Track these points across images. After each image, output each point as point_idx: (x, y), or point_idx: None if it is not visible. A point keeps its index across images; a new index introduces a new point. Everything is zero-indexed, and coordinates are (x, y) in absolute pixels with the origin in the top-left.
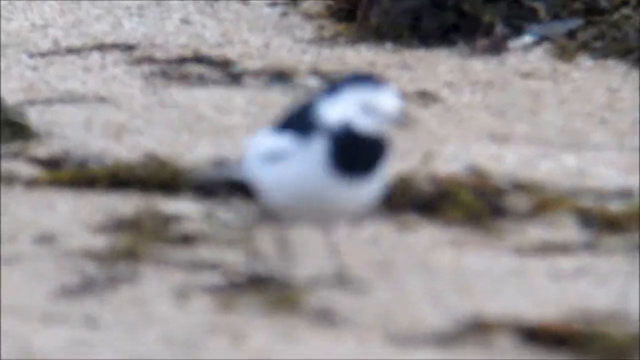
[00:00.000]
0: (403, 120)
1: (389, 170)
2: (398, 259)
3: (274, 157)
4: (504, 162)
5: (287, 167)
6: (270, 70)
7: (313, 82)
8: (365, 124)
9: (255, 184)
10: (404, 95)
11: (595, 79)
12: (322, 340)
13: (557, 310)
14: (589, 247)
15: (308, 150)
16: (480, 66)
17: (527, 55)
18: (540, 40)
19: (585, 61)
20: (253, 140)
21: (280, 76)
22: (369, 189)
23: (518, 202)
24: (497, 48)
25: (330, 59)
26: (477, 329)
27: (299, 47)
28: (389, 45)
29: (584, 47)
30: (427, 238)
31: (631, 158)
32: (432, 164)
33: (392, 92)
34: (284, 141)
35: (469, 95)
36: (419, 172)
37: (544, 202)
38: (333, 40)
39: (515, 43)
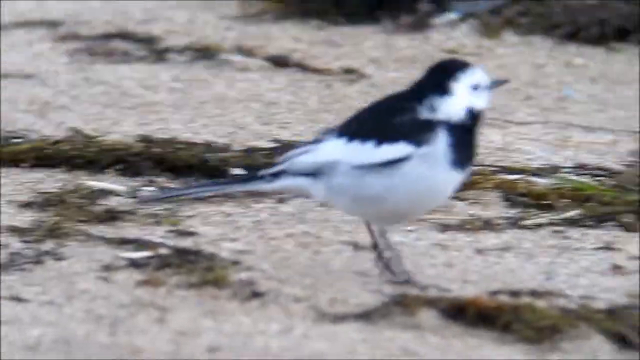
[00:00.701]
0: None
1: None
2: (324, 235)
3: (384, 166)
4: None
5: (409, 170)
6: (195, 47)
7: (237, 59)
8: (480, 103)
9: (356, 196)
10: (330, 73)
11: (520, 55)
12: (248, 316)
13: (483, 285)
14: (515, 222)
15: (431, 149)
16: (405, 43)
17: (451, 32)
18: (465, 17)
19: (510, 37)
20: (328, 150)
21: (205, 53)
22: (466, 175)
23: None
24: (421, 25)
25: (255, 36)
26: (403, 304)
27: (223, 23)
28: (314, 22)
29: (509, 23)
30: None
31: (556, 134)
32: None
33: (480, 69)
34: (396, 148)
35: (393, 71)
36: None
37: (470, 179)
38: (258, 17)
39: (439, 20)
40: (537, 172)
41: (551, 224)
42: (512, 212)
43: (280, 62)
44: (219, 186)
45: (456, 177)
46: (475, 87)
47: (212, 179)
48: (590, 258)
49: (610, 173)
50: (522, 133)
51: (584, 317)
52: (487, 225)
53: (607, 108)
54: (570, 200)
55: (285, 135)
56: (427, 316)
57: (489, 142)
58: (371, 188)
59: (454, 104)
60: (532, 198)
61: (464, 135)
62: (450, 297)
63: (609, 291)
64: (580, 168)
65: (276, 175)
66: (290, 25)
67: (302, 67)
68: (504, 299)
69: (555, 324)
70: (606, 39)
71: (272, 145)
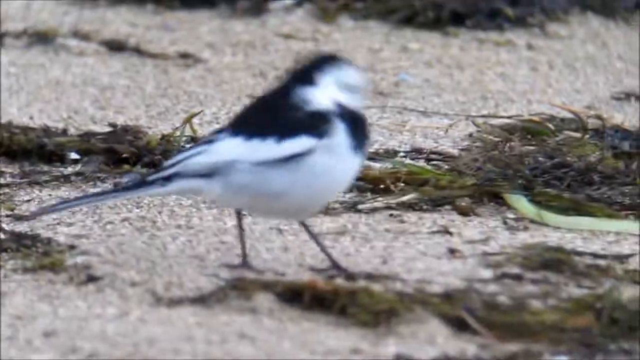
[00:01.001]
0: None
1: None
2: (159, 219)
3: (286, 161)
4: None
5: (314, 162)
6: (32, 32)
7: (74, 43)
8: (351, 101)
9: (257, 193)
10: (166, 57)
11: (356, 40)
12: (84, 300)
13: (319, 269)
14: (351, 206)
15: (332, 140)
16: (241, 27)
17: (287, 16)
18: (301, 1)
19: (346, 22)
20: (222, 149)
21: (42, 37)
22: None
23: None
24: (257, 9)
25: (91, 20)
26: (239, 288)
27: (60, 8)
28: (150, 7)
29: (345, 8)
30: (190, 199)
31: (394, 118)
32: (193, 125)
33: (356, 68)
34: (298, 142)
35: (230, 56)
36: (180, 133)
37: None
38: (94, 1)
39: (275, 4)
40: (374, 157)
41: (387, 207)
42: (348, 196)
43: (116, 46)
44: (110, 194)
45: (357, 163)
46: (344, 85)
47: (96, 190)
48: (426, 242)
49: (446, 157)
50: None
51: (420, 300)
52: (324, 209)
53: (443, 92)
54: (406, 185)
55: (121, 120)
56: (263, 300)
57: None
58: (273, 184)
59: (321, 95)
60: (368, 182)
61: (356, 120)
62: (287, 281)
63: (445, 275)
64: (417, 152)
65: (168, 179)
66: (126, 9)
67: (138, 52)
68: (340, 282)
69: (392, 307)
70: (442, 24)
71: (108, 129)
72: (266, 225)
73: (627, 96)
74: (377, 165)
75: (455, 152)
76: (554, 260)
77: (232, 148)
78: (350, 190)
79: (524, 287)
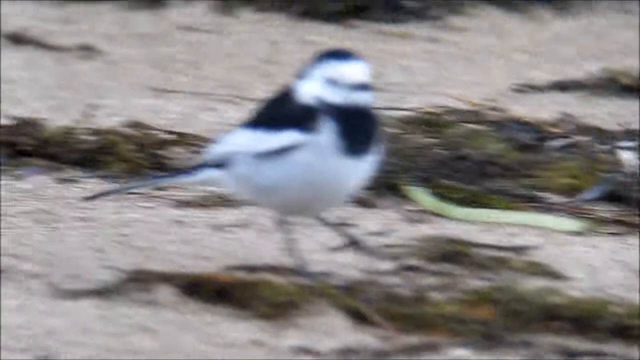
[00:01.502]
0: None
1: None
2: (59, 212)
3: (276, 155)
4: (165, 115)
5: (298, 158)
6: None
7: None
8: (333, 98)
9: (251, 184)
10: (66, 50)
11: (256, 32)
12: None
13: (220, 261)
14: None
15: (317, 137)
16: (142, 19)
17: (188, 9)
18: None
19: (246, 14)
20: (232, 140)
21: None
22: (371, 163)
23: (179, 154)
24: (158, 1)
25: None
26: (139, 280)
27: None
28: None
29: (247, 0)
30: (88, 191)
31: None
32: (93, 118)
33: (359, 63)
34: (280, 137)
35: (129, 48)
36: (80, 126)
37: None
38: None
39: None
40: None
41: None
42: None
43: (16, 38)
44: (153, 180)
45: (352, 165)
46: (332, 81)
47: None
48: (327, 234)
49: None
50: None
51: (321, 292)
52: (224, 201)
53: None
54: None
55: (20, 112)
56: (164, 292)
57: (226, 119)
58: (267, 177)
59: (305, 89)
60: None
61: (355, 120)
62: (188, 273)
63: (345, 267)
64: None
65: (197, 168)
66: (26, 1)
67: (38, 44)
68: (241, 274)
69: (292, 299)
70: (343, 16)
71: (8, 122)
72: (166, 217)
73: (527, 88)
74: None
75: None
76: (454, 252)
77: (237, 139)
78: None
79: (424, 279)
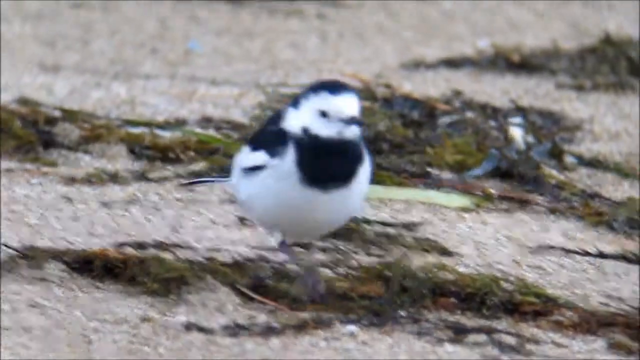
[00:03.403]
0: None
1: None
2: None
3: (251, 172)
4: (54, 92)
5: (262, 180)
6: None
7: None
8: (323, 130)
9: (236, 195)
10: None
11: (145, 9)
12: None
13: (109, 238)
14: (140, 176)
15: (280, 162)
16: None
17: None
18: None
19: None
20: (239, 155)
21: None
22: (351, 197)
23: (69, 131)
24: None
25: None
26: (29, 257)
27: None
28: None
29: None
30: None
31: (182, 87)
32: None
33: (351, 97)
34: (256, 156)
35: (19, 26)
36: None
37: (95, 132)
38: None
39: None
40: (163, 125)
41: (177, 176)
42: (138, 166)
43: None
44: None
45: (315, 196)
46: (324, 114)
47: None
48: (216, 211)
49: (236, 126)
50: (147, 86)
51: (210, 269)
52: (113, 178)
53: (233, 61)
54: (195, 153)
55: None
56: (54, 269)
57: (115, 95)
58: (242, 191)
59: (294, 119)
60: (157, 151)
61: (331, 153)
62: (77, 250)
63: (235, 243)
64: (206, 121)
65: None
66: None
67: None
68: (131, 251)
69: (182, 276)
70: None
71: None
72: (55, 194)
73: (416, 65)
74: (167, 134)
75: (245, 120)
76: (344, 229)
77: (239, 152)
78: (140, 159)
79: (313, 256)
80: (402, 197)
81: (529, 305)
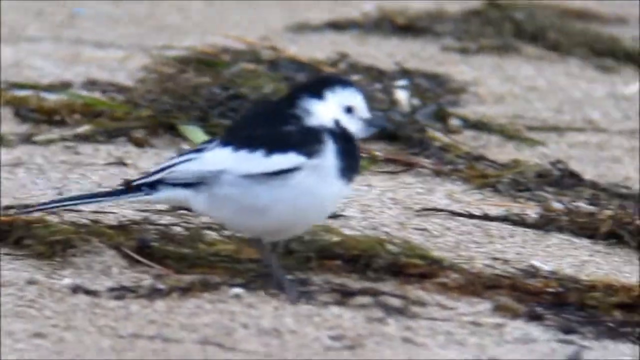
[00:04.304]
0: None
1: None
2: None
3: (275, 176)
4: None
5: (300, 181)
6: None
7: None
8: (350, 126)
9: (235, 205)
10: None
11: None
12: None
13: None
14: (26, 139)
15: (321, 161)
16: None
17: None
18: None
19: None
20: (211, 159)
21: None
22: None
23: None
24: None
25: None
26: None
27: None
28: None
29: None
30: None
31: (67, 50)
32: None
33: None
34: (281, 158)
35: None
36: None
37: None
38: None
39: None
40: (48, 88)
41: (62, 139)
42: (23, 128)
43: None
44: (97, 198)
45: (343, 189)
46: (349, 109)
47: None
48: (102, 173)
49: (121, 89)
50: (33, 49)
51: (96, 232)
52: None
53: (119, 25)
54: (81, 116)
55: None
56: None
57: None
58: (258, 198)
59: (326, 110)
60: (43, 114)
61: (349, 145)
62: None
63: (121, 206)
64: (91, 84)
65: (153, 186)
66: None
67: None
68: (16, 214)
69: (67, 238)
70: None
71: None
72: None
73: (302, 28)
74: (52, 97)
75: (130, 83)
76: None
77: (221, 158)
78: (25, 122)
79: (199, 218)
80: None
81: (415, 268)
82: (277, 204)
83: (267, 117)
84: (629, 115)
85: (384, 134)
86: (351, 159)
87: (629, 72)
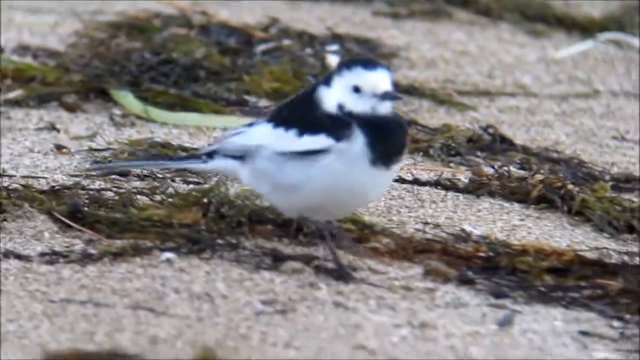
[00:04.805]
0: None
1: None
2: None
3: (305, 156)
4: None
5: (328, 164)
6: None
7: None
8: (357, 106)
9: (271, 180)
10: None
11: None
12: None
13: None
14: None
15: (348, 145)
16: None
17: None
18: None
19: None
20: (254, 133)
21: None
22: (395, 172)
23: None
24: None
25: None
26: None
27: None
28: None
29: None
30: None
31: None
32: None
33: (384, 72)
34: (311, 139)
35: None
36: None
37: None
38: None
39: None
40: None
41: None
42: None
43: None
44: (161, 161)
45: (378, 175)
46: (356, 89)
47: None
48: (33, 138)
49: (52, 54)
50: None
51: (27, 197)
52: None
53: None
54: (12, 82)
55: None
56: None
57: None
58: (289, 176)
59: (329, 97)
60: None
61: (385, 129)
62: None
63: (51, 171)
64: (23, 49)
65: (210, 156)
66: None
67: None
68: None
69: None
70: None
71: None
72: None
73: None
74: None
75: (61, 48)
76: (161, 156)
77: (262, 134)
78: None
79: (131, 183)
80: (220, 124)
81: (347, 232)
82: (306, 183)
83: (301, 103)
84: (560, 79)
85: None
86: (385, 144)
87: (560, 37)
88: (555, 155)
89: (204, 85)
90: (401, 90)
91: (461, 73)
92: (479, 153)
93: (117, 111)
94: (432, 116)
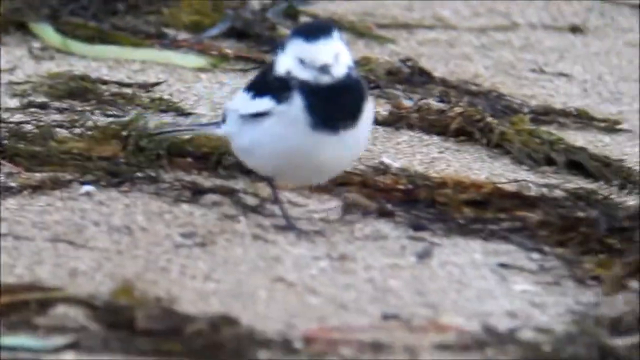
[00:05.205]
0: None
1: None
2: None
3: (254, 118)
4: None
5: (269, 126)
6: None
7: None
8: (302, 74)
9: (235, 143)
10: None
11: None
12: None
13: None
14: None
15: (287, 108)
16: None
17: None
18: None
19: None
20: (233, 99)
21: None
22: (358, 137)
23: None
24: None
25: None
26: None
27: None
28: None
29: None
30: None
31: None
32: None
33: (325, 43)
34: (260, 102)
35: None
36: None
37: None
38: None
39: None
40: None
41: None
42: None
43: None
44: (192, 127)
45: (324, 141)
46: (301, 61)
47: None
48: None
49: None
50: None
51: None
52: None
53: None
54: None
55: None
56: None
57: None
58: (243, 138)
59: (281, 62)
60: None
61: (330, 95)
62: None
63: None
64: None
65: (224, 120)
66: None
67: None
68: None
69: None
70: None
71: None
72: None
73: None
74: None
75: None
76: (80, 89)
77: (237, 98)
78: None
79: (50, 116)
80: (139, 57)
81: None
82: (256, 145)
83: (270, 65)
84: (479, 12)
85: (234, 31)
86: (327, 109)
87: None
88: (474, 88)
89: (123, 18)
90: None
91: (380, 5)
92: (398, 86)
93: (36, 44)
94: (351, 49)
